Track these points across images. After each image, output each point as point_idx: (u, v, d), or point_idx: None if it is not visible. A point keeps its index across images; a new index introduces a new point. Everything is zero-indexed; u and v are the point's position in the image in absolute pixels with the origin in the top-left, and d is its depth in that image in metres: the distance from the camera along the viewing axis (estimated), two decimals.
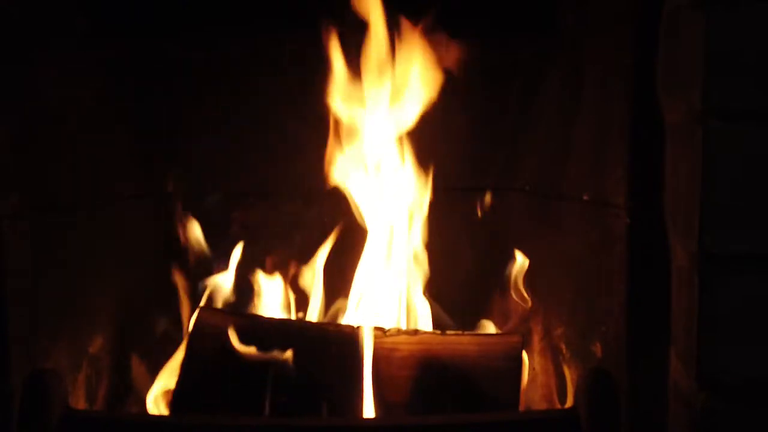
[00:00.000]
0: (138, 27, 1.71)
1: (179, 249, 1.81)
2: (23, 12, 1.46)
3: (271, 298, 1.81)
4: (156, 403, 1.67)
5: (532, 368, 1.76)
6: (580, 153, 1.61)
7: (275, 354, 1.59)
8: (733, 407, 1.21)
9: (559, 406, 1.66)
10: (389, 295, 1.76)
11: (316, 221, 1.88)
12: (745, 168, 1.18)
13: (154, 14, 1.69)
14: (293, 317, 1.79)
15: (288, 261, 1.82)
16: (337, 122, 1.74)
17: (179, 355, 1.67)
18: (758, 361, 1.20)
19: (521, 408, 1.62)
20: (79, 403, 1.61)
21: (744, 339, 1.20)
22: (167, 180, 1.88)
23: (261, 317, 1.73)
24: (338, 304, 1.79)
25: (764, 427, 1.21)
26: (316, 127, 1.82)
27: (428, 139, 1.75)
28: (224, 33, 1.75)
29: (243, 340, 1.61)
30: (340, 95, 1.72)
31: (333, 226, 1.81)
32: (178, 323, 1.79)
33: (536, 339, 1.76)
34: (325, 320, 1.77)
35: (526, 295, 1.78)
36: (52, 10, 1.56)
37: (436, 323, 1.78)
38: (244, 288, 1.80)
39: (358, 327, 1.63)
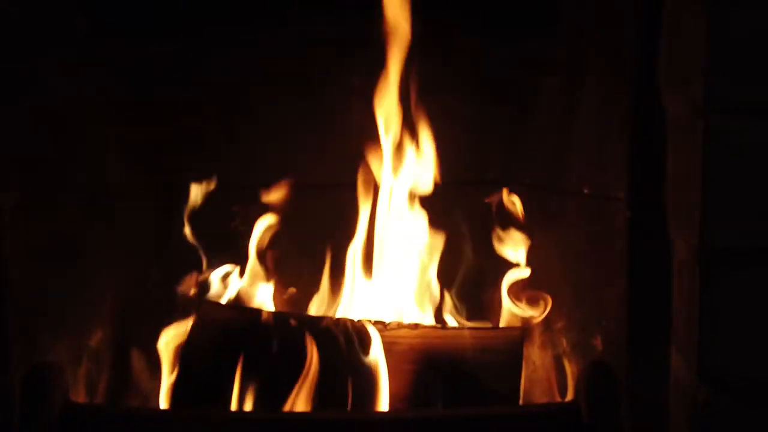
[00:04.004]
0: (138, 27, 1.71)
1: (180, 243, 1.81)
2: (23, 12, 1.46)
3: (272, 291, 1.81)
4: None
5: (532, 362, 1.76)
6: (581, 147, 1.61)
7: (276, 347, 1.59)
8: (734, 400, 1.21)
9: (559, 400, 1.66)
10: (390, 289, 1.76)
11: (316, 215, 1.88)
12: (747, 161, 1.18)
13: (154, 14, 1.70)
14: (293, 311, 1.79)
15: (289, 255, 1.82)
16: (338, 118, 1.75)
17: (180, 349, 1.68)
18: (760, 354, 1.20)
19: (521, 401, 1.62)
20: (80, 396, 1.61)
21: (746, 332, 1.20)
22: (167, 175, 1.88)
23: (262, 311, 1.73)
24: (339, 297, 1.79)
25: (766, 422, 1.21)
26: (316, 122, 1.82)
27: (430, 133, 1.75)
28: (224, 31, 1.76)
29: (244, 333, 1.62)
30: (344, 91, 1.72)
31: (333, 221, 1.81)
32: (178, 317, 1.78)
33: (537, 333, 1.76)
34: (326, 314, 1.77)
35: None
36: (52, 10, 1.56)
37: (436, 317, 1.78)
38: (245, 282, 1.80)
39: (359, 321, 1.64)
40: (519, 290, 1.79)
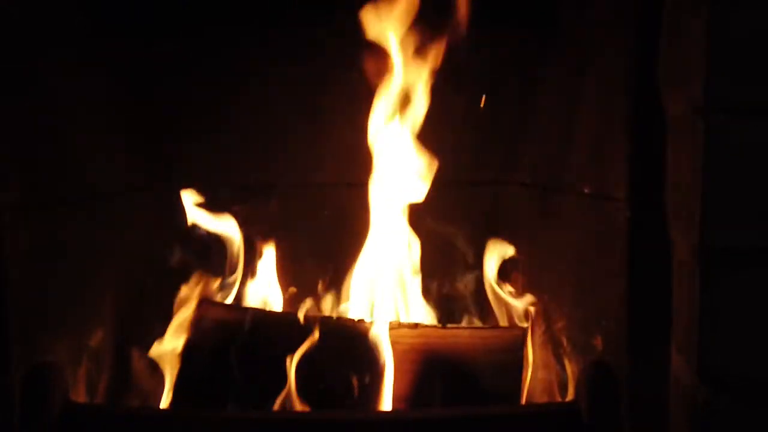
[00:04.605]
0: (138, 27, 1.71)
1: (180, 242, 1.81)
2: (23, 12, 1.46)
3: (272, 291, 1.81)
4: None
5: (532, 361, 1.76)
6: (581, 146, 1.60)
7: (276, 347, 1.59)
8: (734, 400, 1.21)
9: (559, 400, 1.66)
10: (389, 289, 1.76)
11: (316, 215, 1.88)
12: (747, 161, 1.18)
13: (154, 14, 1.70)
14: (294, 310, 1.79)
15: (289, 255, 1.82)
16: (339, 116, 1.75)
17: (180, 348, 1.68)
18: (760, 354, 1.20)
19: (522, 401, 1.62)
20: (80, 396, 1.61)
21: (746, 332, 1.20)
22: (168, 174, 1.88)
23: (262, 310, 1.73)
24: (338, 297, 1.79)
25: (766, 422, 1.21)
26: (315, 121, 1.82)
27: (428, 132, 1.75)
28: (224, 31, 1.76)
29: (244, 333, 1.62)
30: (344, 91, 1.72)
31: (333, 221, 1.81)
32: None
33: (537, 332, 1.76)
34: (326, 313, 1.77)
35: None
36: (52, 10, 1.56)
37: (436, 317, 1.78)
38: (245, 281, 1.81)
39: (359, 320, 1.64)
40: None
